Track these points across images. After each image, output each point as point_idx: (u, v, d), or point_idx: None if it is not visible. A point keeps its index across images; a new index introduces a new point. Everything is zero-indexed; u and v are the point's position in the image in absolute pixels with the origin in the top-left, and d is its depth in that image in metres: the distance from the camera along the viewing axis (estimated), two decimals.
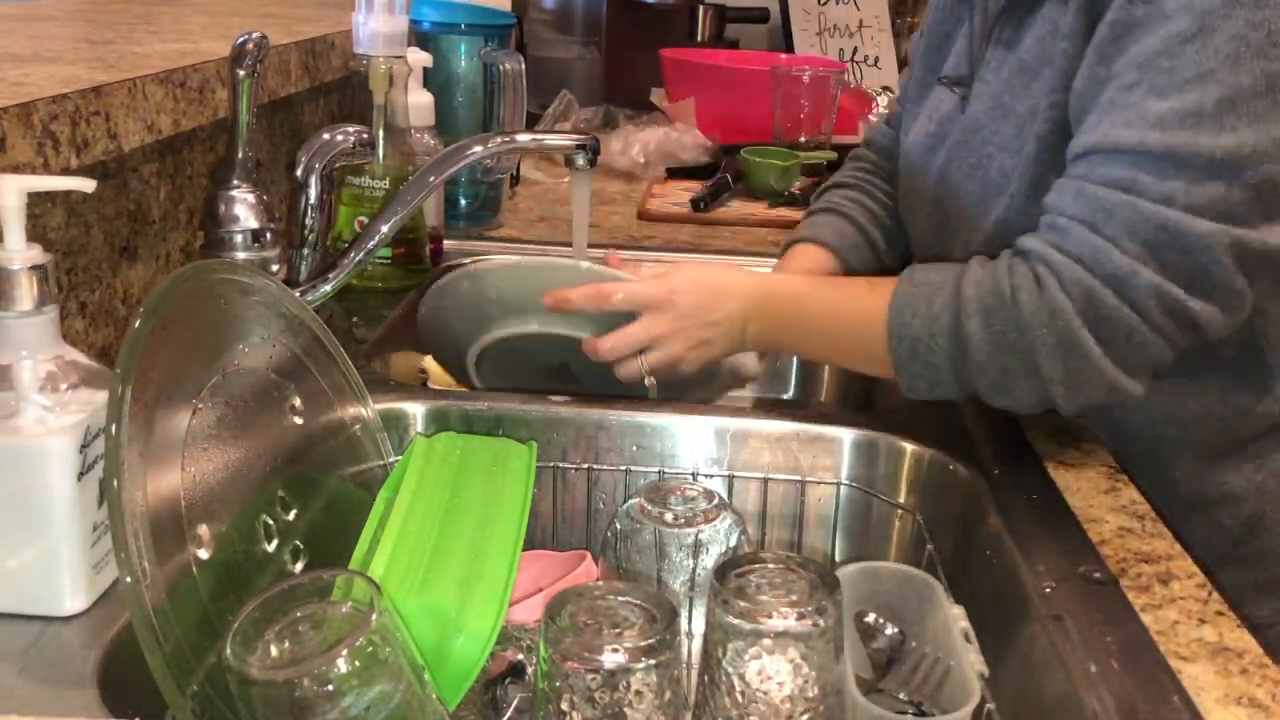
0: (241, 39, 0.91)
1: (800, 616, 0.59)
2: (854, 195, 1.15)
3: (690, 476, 0.87)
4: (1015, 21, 0.92)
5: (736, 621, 0.60)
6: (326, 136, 0.99)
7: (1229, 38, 0.75)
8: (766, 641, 0.59)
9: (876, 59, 2.39)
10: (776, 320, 0.91)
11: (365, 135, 1.00)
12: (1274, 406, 0.90)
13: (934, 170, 1.00)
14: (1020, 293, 0.80)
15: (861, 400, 1.26)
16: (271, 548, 0.67)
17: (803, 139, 1.82)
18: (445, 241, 1.31)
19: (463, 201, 1.43)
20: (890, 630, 0.68)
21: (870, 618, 0.68)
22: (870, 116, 2.05)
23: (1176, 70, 0.76)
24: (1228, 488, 0.92)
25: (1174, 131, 0.76)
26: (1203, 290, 0.78)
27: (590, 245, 1.07)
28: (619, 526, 0.78)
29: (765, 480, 0.87)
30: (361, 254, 1.01)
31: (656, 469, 0.87)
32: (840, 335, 0.90)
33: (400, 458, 0.78)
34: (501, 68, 1.37)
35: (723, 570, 0.63)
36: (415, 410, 0.89)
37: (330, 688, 0.51)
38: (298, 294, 0.86)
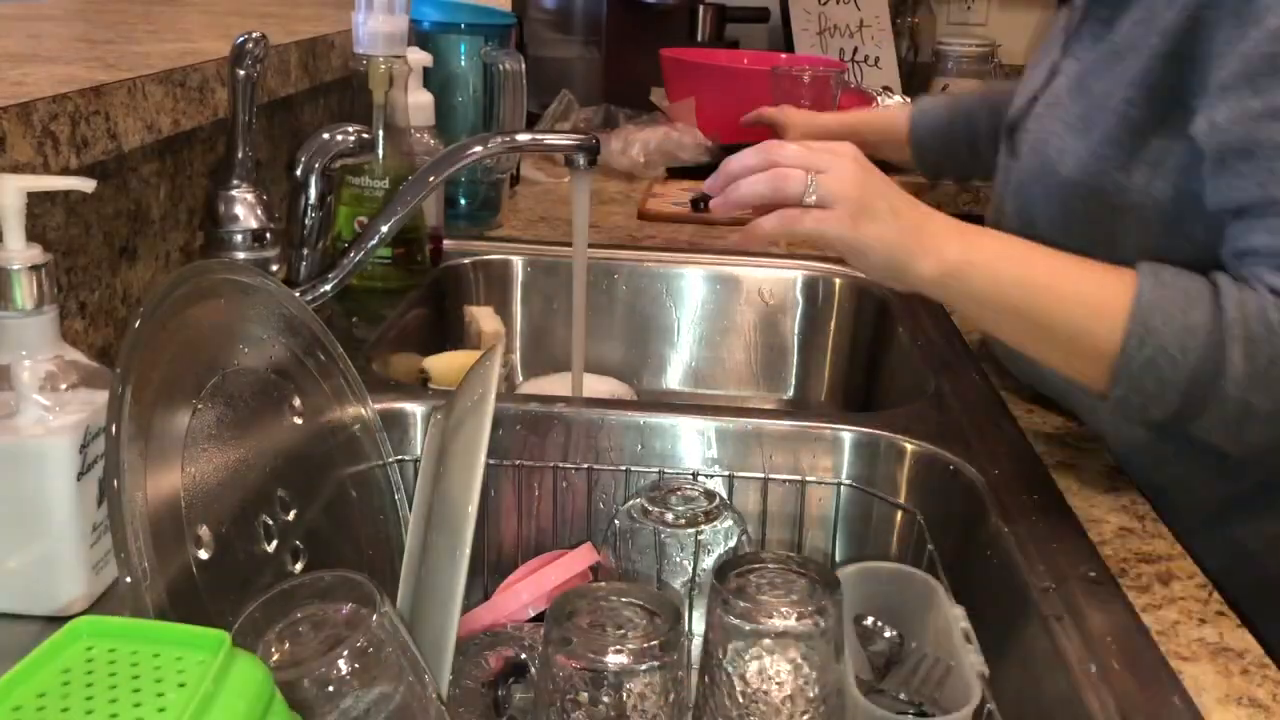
0: (241, 39, 0.91)
1: (800, 616, 0.59)
2: (975, 105, 1.26)
3: (690, 476, 0.87)
4: (1114, 1, 0.89)
5: (737, 621, 0.60)
6: (326, 136, 0.99)
7: None
8: (766, 641, 0.59)
9: (877, 59, 2.39)
10: (984, 256, 0.77)
11: (365, 135, 1.00)
12: None
13: (1010, 142, 0.99)
14: None
15: (861, 400, 1.26)
16: (271, 548, 0.67)
17: None
18: (445, 241, 1.31)
19: (463, 201, 1.43)
20: (889, 633, 0.68)
21: (869, 620, 0.68)
22: None
23: None
24: (1254, 510, 0.91)
25: None
26: None
27: (590, 245, 1.07)
28: (619, 526, 0.78)
29: (765, 480, 0.87)
30: (361, 254, 1.01)
31: (656, 469, 0.87)
32: (1058, 310, 0.77)
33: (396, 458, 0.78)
34: (501, 68, 1.36)
35: (723, 570, 0.63)
36: (415, 410, 0.89)
37: (330, 689, 0.51)
38: (298, 294, 0.86)
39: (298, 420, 0.73)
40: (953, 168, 1.39)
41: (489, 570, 0.89)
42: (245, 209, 0.94)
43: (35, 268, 0.60)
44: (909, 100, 2.07)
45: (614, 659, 0.57)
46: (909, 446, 0.87)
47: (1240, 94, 0.77)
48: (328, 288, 1.01)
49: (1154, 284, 0.76)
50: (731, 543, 0.77)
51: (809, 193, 0.76)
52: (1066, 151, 0.88)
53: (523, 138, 1.15)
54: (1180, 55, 0.80)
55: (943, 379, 0.99)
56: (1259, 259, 0.76)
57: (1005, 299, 0.77)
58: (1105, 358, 0.75)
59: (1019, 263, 0.78)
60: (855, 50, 2.39)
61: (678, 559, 0.78)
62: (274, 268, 0.96)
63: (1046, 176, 0.90)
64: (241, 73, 0.91)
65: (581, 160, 1.00)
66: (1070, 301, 0.77)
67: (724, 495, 0.80)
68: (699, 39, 2.40)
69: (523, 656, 0.70)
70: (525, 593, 0.75)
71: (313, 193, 1.00)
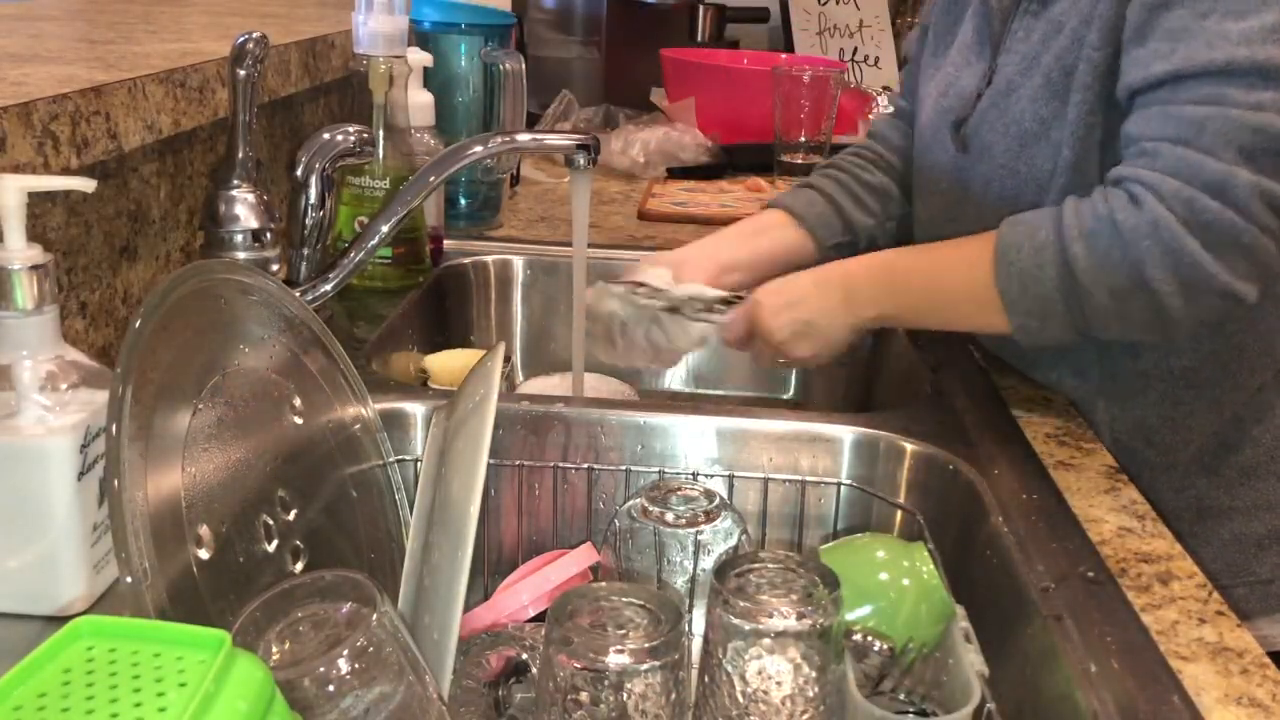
0: (241, 39, 0.91)
1: (800, 616, 0.59)
2: (835, 174, 1.18)
3: (690, 476, 0.87)
4: None
5: (737, 621, 0.60)
6: (326, 136, 0.99)
7: None
8: (766, 641, 0.59)
9: (876, 59, 2.39)
10: (879, 285, 0.95)
11: (365, 135, 1.00)
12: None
13: (958, 139, 1.02)
14: (1117, 212, 0.82)
15: (861, 400, 1.26)
16: (271, 548, 0.67)
17: (803, 139, 1.82)
18: (445, 241, 1.31)
19: (463, 201, 1.43)
20: (880, 646, 0.68)
21: (859, 635, 0.68)
22: (870, 116, 2.05)
23: None
24: (1228, 439, 0.96)
25: (1259, 46, 0.79)
26: None
27: (590, 245, 1.07)
28: (619, 526, 0.78)
29: (765, 480, 0.87)
30: (361, 254, 1.01)
31: (656, 469, 0.87)
32: (946, 286, 0.92)
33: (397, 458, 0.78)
34: (501, 68, 1.37)
35: (723, 570, 0.63)
36: (415, 410, 0.89)
37: (331, 688, 0.51)
38: (298, 294, 0.86)
39: (298, 420, 0.73)
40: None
41: (489, 570, 0.89)
42: (245, 209, 0.94)
43: (36, 268, 0.60)
44: None
45: (615, 659, 0.57)
46: (909, 446, 0.87)
47: None
48: (328, 288, 1.01)
49: (1009, 226, 0.88)
50: (731, 543, 0.77)
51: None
52: (1050, 117, 0.93)
53: (523, 138, 1.15)
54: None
55: (943, 379, 0.99)
56: (1131, 149, 0.86)
57: (911, 296, 0.94)
58: (991, 300, 0.87)
59: (911, 258, 0.96)
60: (855, 50, 2.39)
61: (678, 559, 0.78)
62: (274, 268, 0.96)
63: (1032, 145, 0.94)
64: (242, 73, 0.91)
65: (581, 160, 1.00)
66: (951, 268, 0.92)
67: (724, 495, 0.80)
68: (699, 39, 2.40)
69: (523, 656, 0.70)
70: (526, 593, 0.75)
71: (313, 193, 1.00)
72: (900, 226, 1.18)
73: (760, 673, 0.59)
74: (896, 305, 0.95)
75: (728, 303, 1.01)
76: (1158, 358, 0.94)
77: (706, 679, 0.62)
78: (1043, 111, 0.93)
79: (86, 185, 0.63)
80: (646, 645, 0.57)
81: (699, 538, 0.77)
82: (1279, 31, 0.79)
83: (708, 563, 0.77)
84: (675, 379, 1.37)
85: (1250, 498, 0.97)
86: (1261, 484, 0.97)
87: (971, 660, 0.62)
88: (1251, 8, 0.80)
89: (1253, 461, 0.96)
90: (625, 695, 0.57)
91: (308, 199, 1.00)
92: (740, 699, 0.60)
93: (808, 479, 0.87)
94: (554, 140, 1.13)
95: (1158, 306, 0.82)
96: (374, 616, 0.53)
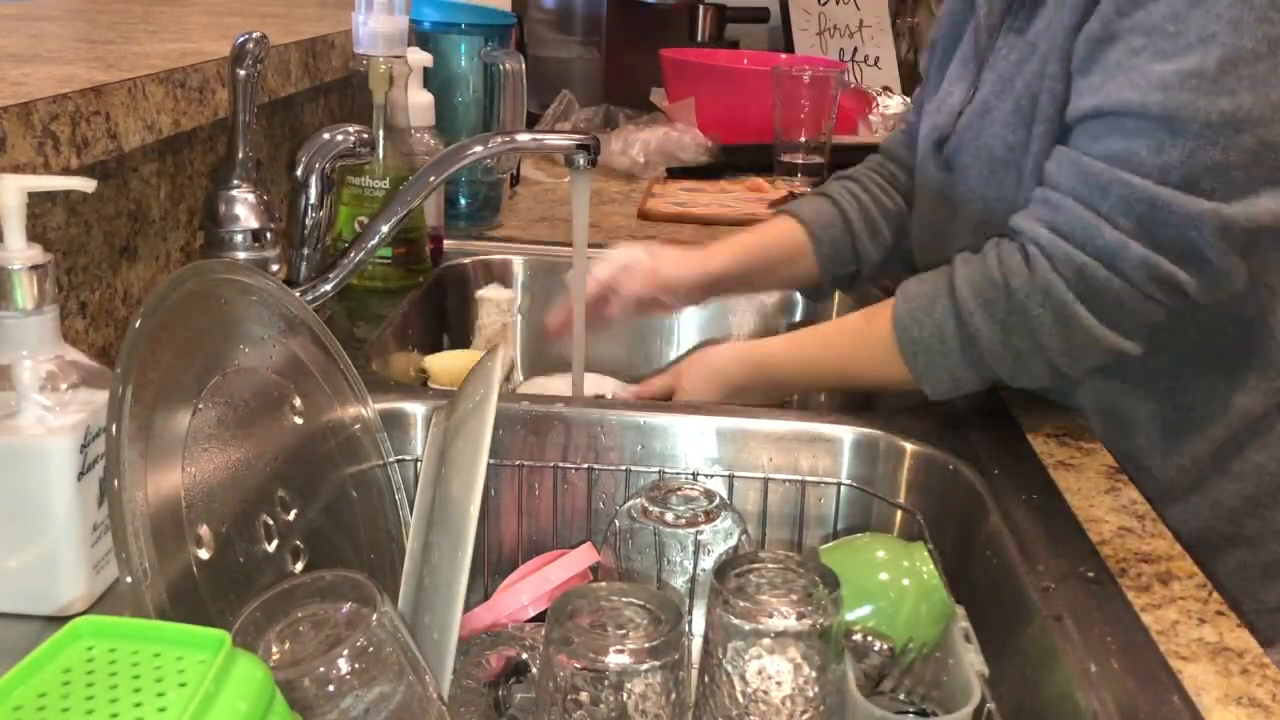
0: (241, 39, 0.91)
1: (800, 616, 0.59)
2: (848, 184, 1.18)
3: (690, 476, 0.87)
4: (1027, 9, 0.94)
5: (737, 621, 0.60)
6: (326, 136, 0.99)
7: (1232, 2, 0.77)
8: (766, 641, 0.59)
9: (876, 59, 2.39)
10: (786, 384, 1.00)
11: (365, 135, 1.00)
12: (1278, 382, 0.93)
13: (943, 158, 1.01)
14: (1013, 277, 0.84)
15: (861, 400, 1.26)
16: (271, 548, 0.67)
17: (803, 139, 1.82)
18: (445, 241, 1.31)
19: (463, 201, 1.43)
20: (880, 646, 0.68)
21: (859, 635, 0.68)
22: (870, 116, 2.05)
23: (1181, 34, 0.78)
24: (1230, 468, 0.95)
25: (1174, 93, 0.78)
26: (1193, 263, 0.81)
27: (590, 245, 1.07)
28: (619, 526, 0.78)
29: (765, 480, 0.87)
30: (361, 254, 1.01)
31: (656, 469, 0.87)
32: (857, 368, 0.94)
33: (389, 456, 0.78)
34: (501, 68, 1.37)
35: (723, 570, 0.63)
36: (415, 410, 0.89)
37: (331, 688, 0.51)
38: (298, 294, 0.86)
39: (298, 420, 0.73)
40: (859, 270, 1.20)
41: (489, 570, 0.89)
42: (245, 209, 0.94)
43: (36, 268, 0.60)
44: (908, 100, 2.07)
45: (615, 659, 0.57)
46: (909, 446, 0.87)
47: (1092, 27, 0.84)
48: (328, 288, 1.01)
49: (903, 302, 0.89)
50: (731, 543, 0.77)
51: None
52: (1014, 145, 0.92)
53: (523, 138, 1.15)
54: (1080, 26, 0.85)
55: None
56: (1039, 191, 0.86)
57: (815, 379, 1.02)
58: (903, 373, 0.89)
59: (817, 349, 0.98)
60: (855, 50, 2.39)
61: (678, 559, 0.78)
62: (274, 268, 0.96)
63: (1001, 172, 0.93)
64: (242, 73, 0.91)
65: (581, 160, 1.00)
66: (857, 354, 0.93)
67: (724, 495, 0.80)
68: (699, 39, 2.40)
69: (524, 656, 0.70)
70: (526, 593, 0.75)
71: (313, 193, 1.00)
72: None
73: (760, 673, 0.59)
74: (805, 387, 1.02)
75: None
76: (1143, 374, 0.92)
77: (706, 679, 0.62)
78: (1011, 138, 0.92)
79: (86, 185, 0.63)
80: (646, 645, 0.57)
81: (699, 538, 0.77)
82: (1198, 77, 0.77)
83: (708, 563, 0.77)
84: None
85: (1255, 526, 0.95)
86: (1268, 513, 0.95)
87: (971, 660, 0.62)
88: (1178, 49, 0.78)
89: (1257, 491, 0.94)
90: (625, 695, 0.57)
91: (308, 199, 1.00)
92: (740, 699, 0.60)
93: (808, 479, 0.87)
94: (554, 140, 1.13)
95: (1051, 364, 0.86)
96: (374, 616, 0.53)
